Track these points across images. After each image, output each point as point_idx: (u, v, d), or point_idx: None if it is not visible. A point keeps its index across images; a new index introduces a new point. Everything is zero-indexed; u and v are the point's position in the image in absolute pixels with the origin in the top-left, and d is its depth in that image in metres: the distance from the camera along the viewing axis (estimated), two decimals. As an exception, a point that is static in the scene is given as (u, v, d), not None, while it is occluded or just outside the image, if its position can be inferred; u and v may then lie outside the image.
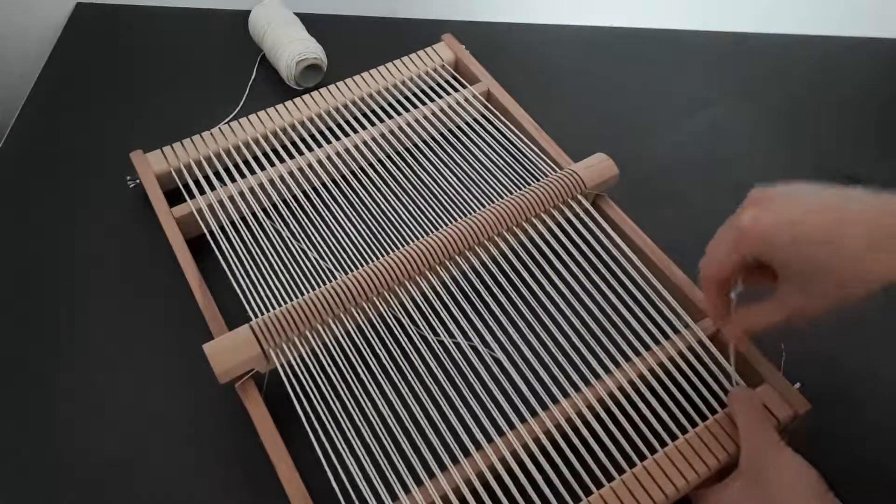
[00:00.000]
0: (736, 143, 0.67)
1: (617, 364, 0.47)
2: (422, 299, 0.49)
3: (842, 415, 0.48)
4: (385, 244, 0.53)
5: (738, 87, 0.71)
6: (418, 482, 0.41)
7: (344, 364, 0.46)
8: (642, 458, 0.43)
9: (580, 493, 0.41)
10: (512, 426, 0.44)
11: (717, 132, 0.67)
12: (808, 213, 0.36)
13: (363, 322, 0.48)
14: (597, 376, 0.46)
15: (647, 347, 0.47)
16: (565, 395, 0.45)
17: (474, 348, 0.47)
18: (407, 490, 0.41)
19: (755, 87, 0.71)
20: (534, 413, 0.44)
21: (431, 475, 0.42)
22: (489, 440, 0.43)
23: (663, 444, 0.43)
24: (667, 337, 0.48)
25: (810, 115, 0.69)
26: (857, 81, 0.72)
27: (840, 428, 0.48)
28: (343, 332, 0.47)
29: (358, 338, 0.47)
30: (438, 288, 0.49)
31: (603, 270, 0.51)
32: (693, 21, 0.77)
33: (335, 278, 0.49)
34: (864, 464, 0.47)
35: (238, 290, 0.49)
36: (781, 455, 0.39)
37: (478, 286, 0.50)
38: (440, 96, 0.63)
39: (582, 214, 0.54)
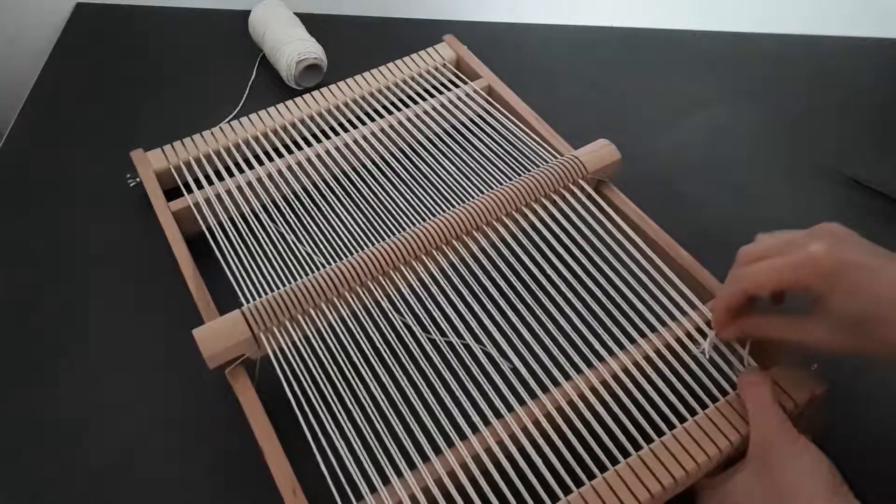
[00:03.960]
0: (736, 143, 0.67)
1: (622, 346, 0.45)
2: (418, 284, 0.49)
3: (841, 415, 0.48)
4: (385, 234, 0.53)
5: (738, 87, 0.71)
6: (411, 465, 0.40)
7: (337, 349, 0.45)
8: (650, 441, 0.41)
9: (584, 477, 0.40)
10: (511, 409, 0.43)
11: (717, 132, 0.67)
12: (882, 266, 0.36)
13: (358, 308, 0.47)
14: (601, 359, 0.45)
15: (654, 329, 0.46)
16: (567, 378, 0.44)
17: (473, 332, 0.46)
18: (399, 474, 0.40)
19: (755, 87, 0.71)
20: (534, 396, 0.43)
21: (426, 459, 0.41)
22: (486, 423, 0.42)
23: (672, 426, 0.42)
24: (674, 318, 0.47)
25: (810, 115, 0.69)
26: (857, 81, 0.72)
27: (839, 428, 0.47)
28: (337, 318, 0.46)
29: (352, 323, 0.47)
30: (436, 273, 0.49)
31: (607, 254, 0.50)
32: (693, 21, 0.78)
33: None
34: (864, 464, 0.47)
35: (235, 286, 0.49)
36: (793, 443, 0.38)
37: (477, 272, 0.49)
38: (441, 93, 0.63)
39: (584, 199, 0.53)
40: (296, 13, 0.73)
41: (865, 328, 0.36)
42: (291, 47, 0.68)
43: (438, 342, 0.46)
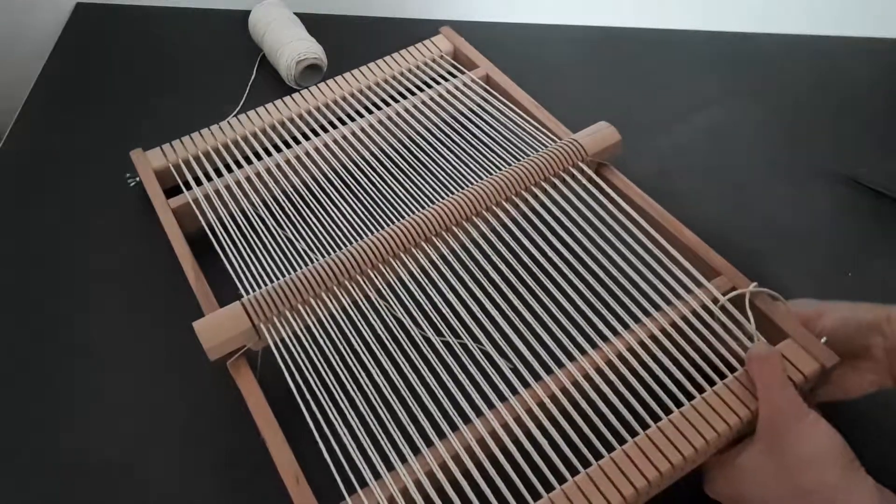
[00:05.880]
0: (736, 143, 0.67)
1: (626, 326, 0.45)
2: (419, 271, 0.48)
3: (841, 415, 0.48)
4: (387, 223, 0.52)
5: (738, 87, 0.71)
6: (415, 451, 0.40)
7: (338, 337, 0.45)
8: (658, 419, 0.41)
9: (591, 458, 0.39)
10: (515, 392, 0.42)
11: (717, 132, 0.67)
12: None
13: (359, 296, 0.47)
14: (606, 339, 0.44)
15: (660, 308, 0.46)
16: (572, 359, 0.43)
17: (476, 317, 0.46)
18: (403, 460, 0.40)
19: (755, 87, 0.71)
20: (538, 378, 0.43)
21: (430, 444, 0.40)
22: (491, 406, 0.42)
23: (680, 404, 0.41)
24: (679, 297, 0.46)
25: (810, 115, 0.69)
26: (857, 81, 0.72)
27: (839, 421, 0.47)
28: (337, 307, 0.46)
29: (353, 312, 0.46)
30: (436, 259, 0.49)
31: (609, 235, 0.50)
32: (693, 21, 0.77)
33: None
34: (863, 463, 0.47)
35: (235, 279, 0.48)
36: (804, 419, 0.37)
37: (478, 257, 0.49)
38: (439, 83, 0.63)
39: (585, 181, 0.53)
40: (296, 13, 0.73)
41: None
42: (291, 47, 0.68)
43: (452, 343, 0.46)
